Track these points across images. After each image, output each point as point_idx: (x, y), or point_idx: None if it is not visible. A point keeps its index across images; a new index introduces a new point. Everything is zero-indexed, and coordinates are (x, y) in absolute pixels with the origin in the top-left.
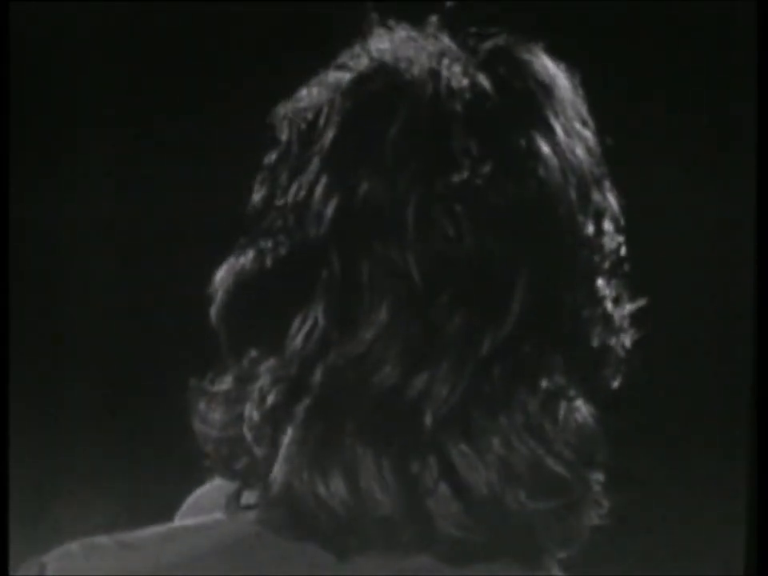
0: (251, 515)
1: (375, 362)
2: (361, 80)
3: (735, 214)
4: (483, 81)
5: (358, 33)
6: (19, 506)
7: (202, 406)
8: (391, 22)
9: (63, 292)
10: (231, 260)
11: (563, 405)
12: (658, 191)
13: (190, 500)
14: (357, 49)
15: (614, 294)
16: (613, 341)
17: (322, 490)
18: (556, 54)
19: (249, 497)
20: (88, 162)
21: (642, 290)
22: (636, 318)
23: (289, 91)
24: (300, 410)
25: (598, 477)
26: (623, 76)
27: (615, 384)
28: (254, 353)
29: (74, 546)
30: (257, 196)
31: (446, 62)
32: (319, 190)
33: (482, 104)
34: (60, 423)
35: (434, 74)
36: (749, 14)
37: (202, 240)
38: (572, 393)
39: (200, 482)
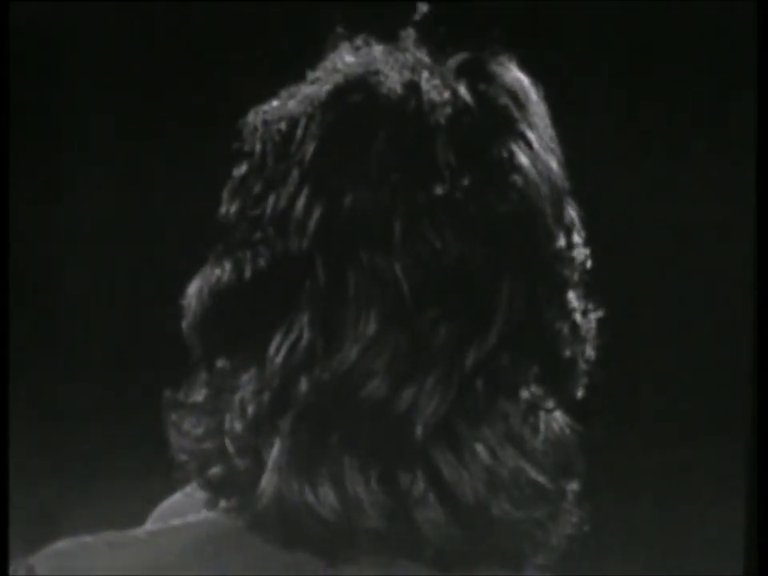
0: (239, 516)
1: (363, 376)
2: (340, 93)
3: (735, 214)
4: (464, 93)
5: (328, 47)
6: (19, 506)
7: (176, 417)
8: (359, 38)
9: (64, 292)
10: (205, 271)
11: (542, 415)
12: (658, 191)
13: (159, 510)
14: (329, 63)
15: (582, 306)
16: (580, 352)
17: (311, 498)
18: (555, 54)
19: (229, 503)
20: (88, 163)
21: (643, 290)
22: (636, 320)
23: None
24: (285, 421)
25: (574, 487)
26: (623, 76)
27: (579, 394)
28: (230, 364)
29: (61, 545)
30: (229, 207)
31: (424, 74)
32: (301, 201)
33: (462, 116)
34: (60, 423)
35: (414, 86)
36: (749, 14)
37: (202, 241)
38: (549, 403)
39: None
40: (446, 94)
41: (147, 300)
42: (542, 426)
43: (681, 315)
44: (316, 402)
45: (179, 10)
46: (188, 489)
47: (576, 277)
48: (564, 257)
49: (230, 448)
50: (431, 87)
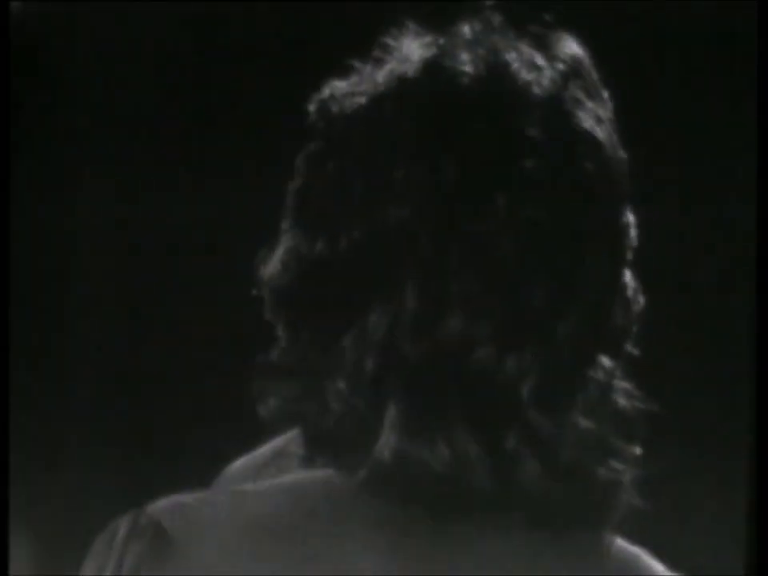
0: (352, 474)
1: (468, 344)
2: (432, 69)
3: (735, 214)
4: (545, 67)
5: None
6: (19, 505)
7: (269, 380)
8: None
9: (63, 293)
10: (288, 242)
11: (615, 383)
12: (657, 191)
13: (229, 472)
14: (403, 49)
15: (633, 284)
16: (632, 329)
17: (427, 455)
18: None
19: (339, 461)
20: (89, 163)
21: (643, 291)
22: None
23: (293, 97)
24: (395, 385)
25: (638, 452)
26: (623, 77)
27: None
28: (325, 328)
29: (181, 498)
30: (306, 182)
31: (510, 54)
32: (400, 173)
33: (544, 91)
34: (59, 423)
35: (503, 64)
36: (749, 14)
37: (202, 241)
38: (618, 372)
39: (200, 479)
40: (532, 72)
41: (148, 302)
42: (616, 394)
43: (681, 315)
44: (423, 367)
45: (182, 10)
46: (262, 450)
47: (630, 255)
48: (629, 232)
49: (336, 408)
50: (518, 65)
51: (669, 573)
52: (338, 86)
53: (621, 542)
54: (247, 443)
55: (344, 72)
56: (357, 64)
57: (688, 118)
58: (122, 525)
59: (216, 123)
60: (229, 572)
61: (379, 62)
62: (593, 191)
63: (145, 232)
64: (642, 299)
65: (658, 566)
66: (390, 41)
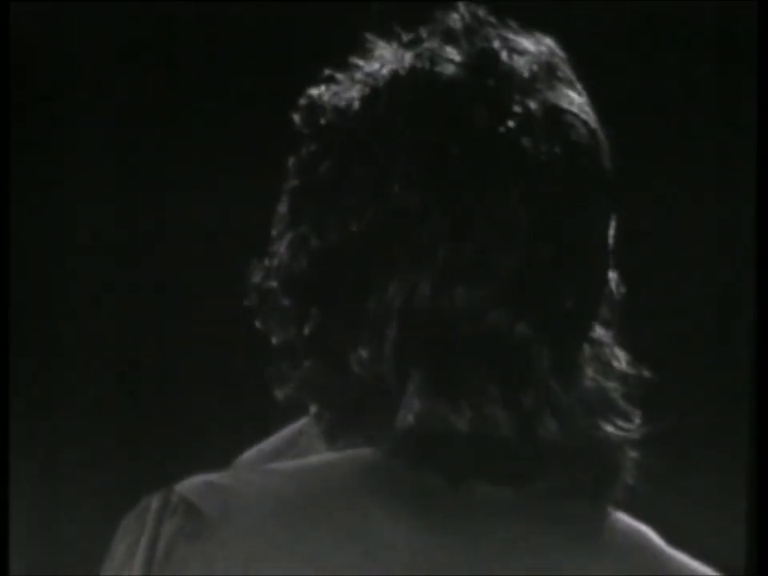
0: (376, 446)
1: (482, 308)
2: (433, 58)
3: (735, 214)
4: (534, 51)
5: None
6: (19, 507)
7: (287, 359)
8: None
9: (64, 293)
10: (298, 230)
11: (616, 351)
12: (657, 192)
13: (247, 457)
14: (385, 51)
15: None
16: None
17: (452, 416)
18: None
19: (363, 432)
20: (89, 163)
21: (643, 291)
22: (634, 316)
23: (293, 94)
24: (417, 350)
25: (638, 420)
26: (623, 77)
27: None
28: (342, 304)
29: (212, 479)
30: (304, 181)
31: (495, 42)
32: (406, 160)
33: (537, 74)
34: (60, 424)
35: (492, 53)
36: (749, 14)
37: (202, 241)
38: (615, 341)
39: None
40: (522, 56)
41: (148, 302)
42: (616, 362)
43: (680, 316)
44: (443, 332)
45: (183, 11)
46: (273, 438)
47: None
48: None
49: (360, 375)
50: (506, 52)
51: (671, 549)
52: (321, 89)
53: (625, 517)
54: (245, 444)
55: (322, 78)
56: (332, 71)
57: (688, 118)
58: (153, 503)
59: (216, 124)
60: (266, 549)
61: (363, 64)
62: (597, 174)
63: (145, 232)
64: (622, 286)
65: (661, 542)
66: (370, 43)
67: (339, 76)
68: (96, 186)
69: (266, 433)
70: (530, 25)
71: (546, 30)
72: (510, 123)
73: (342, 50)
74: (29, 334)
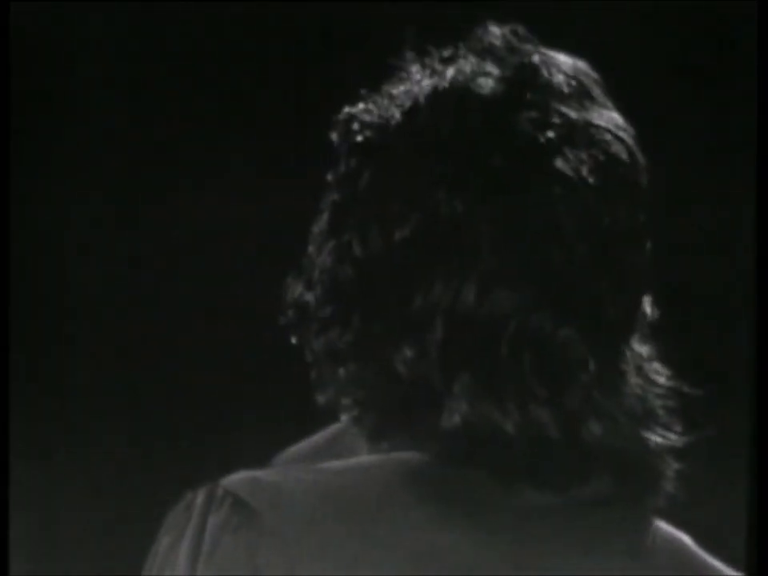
0: (422, 447)
1: (528, 313)
2: (474, 75)
3: (735, 214)
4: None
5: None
6: (19, 507)
7: (327, 364)
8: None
9: (64, 294)
10: (340, 240)
11: (654, 365)
12: (657, 192)
13: (285, 456)
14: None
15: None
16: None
17: (499, 418)
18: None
19: (409, 433)
20: (89, 163)
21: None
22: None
23: (294, 94)
24: (462, 351)
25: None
26: (623, 77)
27: None
28: (384, 309)
29: (261, 477)
30: (345, 193)
31: (535, 57)
32: (449, 170)
33: (566, 91)
34: (60, 424)
35: (531, 67)
36: (749, 14)
37: (202, 241)
38: (652, 354)
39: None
40: (558, 73)
41: (148, 302)
42: (656, 375)
43: (679, 316)
44: (488, 333)
45: (184, 11)
46: (314, 437)
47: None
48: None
49: (404, 375)
50: (545, 67)
51: (710, 558)
52: (359, 106)
53: (665, 525)
54: (245, 444)
55: (359, 96)
56: (368, 90)
57: (688, 117)
58: (198, 497)
59: (217, 124)
60: (312, 544)
61: (399, 82)
62: (635, 188)
63: (145, 232)
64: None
65: (699, 550)
66: (405, 61)
67: (375, 95)
68: (96, 186)
69: (267, 434)
70: (529, 25)
71: (546, 30)
72: (550, 134)
73: (342, 50)
74: (29, 333)
